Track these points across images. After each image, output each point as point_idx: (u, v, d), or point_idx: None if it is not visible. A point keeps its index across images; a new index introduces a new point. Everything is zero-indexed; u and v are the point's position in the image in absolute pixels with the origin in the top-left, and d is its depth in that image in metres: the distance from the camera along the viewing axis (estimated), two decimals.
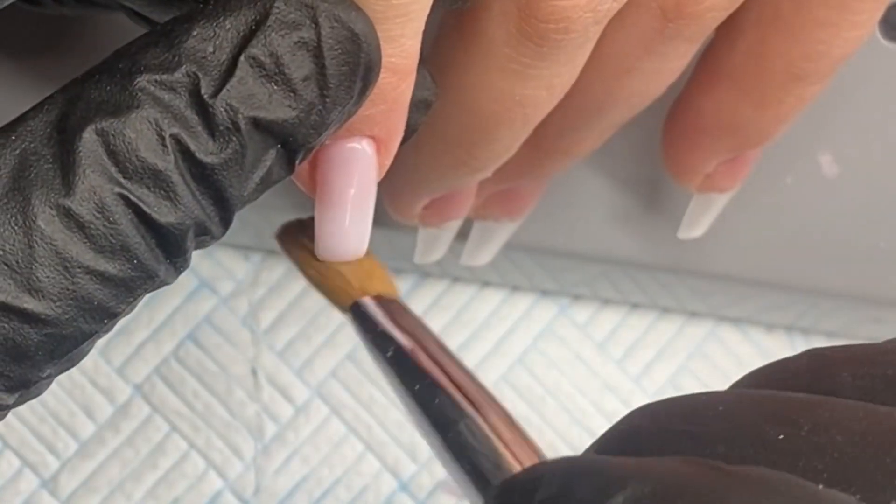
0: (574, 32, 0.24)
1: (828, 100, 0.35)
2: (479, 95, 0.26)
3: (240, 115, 0.20)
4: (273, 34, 0.20)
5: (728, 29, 0.28)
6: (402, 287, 0.39)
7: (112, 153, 0.20)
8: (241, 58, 0.20)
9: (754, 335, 0.39)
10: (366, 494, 0.38)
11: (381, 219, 0.35)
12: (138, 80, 0.20)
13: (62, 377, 0.37)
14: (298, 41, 0.21)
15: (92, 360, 0.38)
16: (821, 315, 0.37)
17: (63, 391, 0.37)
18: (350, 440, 0.38)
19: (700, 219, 0.33)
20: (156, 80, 0.20)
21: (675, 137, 0.31)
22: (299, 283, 0.38)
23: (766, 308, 0.38)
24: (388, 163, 0.24)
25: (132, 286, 0.21)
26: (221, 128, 0.20)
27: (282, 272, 0.38)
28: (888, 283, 0.35)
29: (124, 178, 0.20)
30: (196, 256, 0.38)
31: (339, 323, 0.38)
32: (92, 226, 0.20)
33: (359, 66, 0.21)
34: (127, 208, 0.20)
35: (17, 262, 0.20)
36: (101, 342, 0.38)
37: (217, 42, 0.20)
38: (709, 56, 0.29)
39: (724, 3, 0.26)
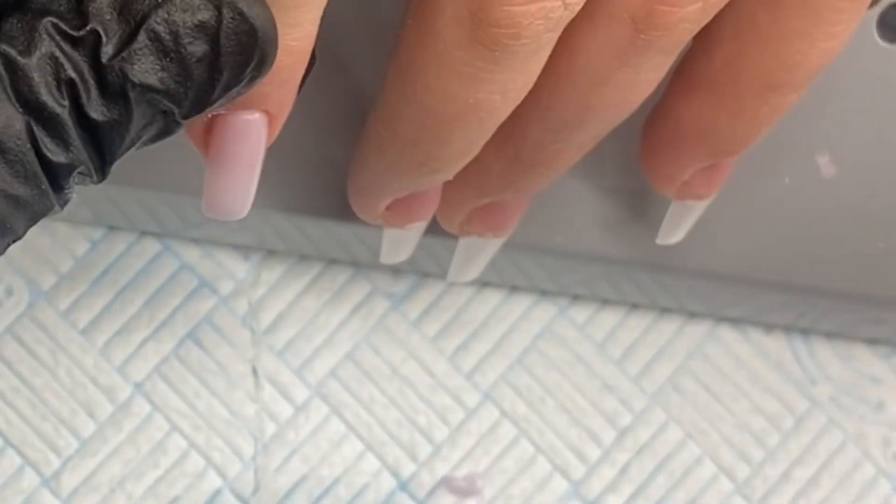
0: (526, 38, 0.24)
1: (825, 101, 0.35)
2: (434, 97, 0.26)
3: (129, 83, 0.22)
4: (176, 12, 0.22)
5: (705, 38, 0.28)
6: (400, 288, 0.39)
7: (16, 89, 0.21)
8: (142, 29, 0.22)
9: (753, 335, 0.39)
10: (366, 493, 0.38)
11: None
12: (46, 22, 0.22)
13: (62, 375, 0.38)
14: (199, 24, 0.22)
15: (92, 358, 0.38)
16: (820, 315, 0.38)
17: (64, 390, 0.38)
18: (350, 439, 0.38)
19: (678, 226, 0.33)
20: (62, 30, 0.22)
21: (652, 144, 0.31)
22: (299, 282, 0.39)
23: (766, 308, 0.38)
24: (276, 133, 0.26)
25: (35, 212, 0.22)
26: (111, 90, 0.22)
27: (282, 272, 0.39)
28: (887, 282, 0.35)
29: (27, 112, 0.22)
30: (196, 256, 0.38)
31: (339, 322, 0.38)
32: (10, 151, 0.21)
33: (252, 57, 0.23)
34: (31, 140, 0.22)
35: None
36: (101, 341, 0.38)
37: (125, 9, 0.22)
38: (686, 65, 0.29)
39: (696, 14, 0.26)
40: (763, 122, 0.29)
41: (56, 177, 0.22)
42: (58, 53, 0.22)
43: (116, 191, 0.35)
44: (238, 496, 0.37)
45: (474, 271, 0.34)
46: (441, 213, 0.32)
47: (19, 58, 0.21)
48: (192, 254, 0.38)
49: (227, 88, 0.23)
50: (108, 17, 0.22)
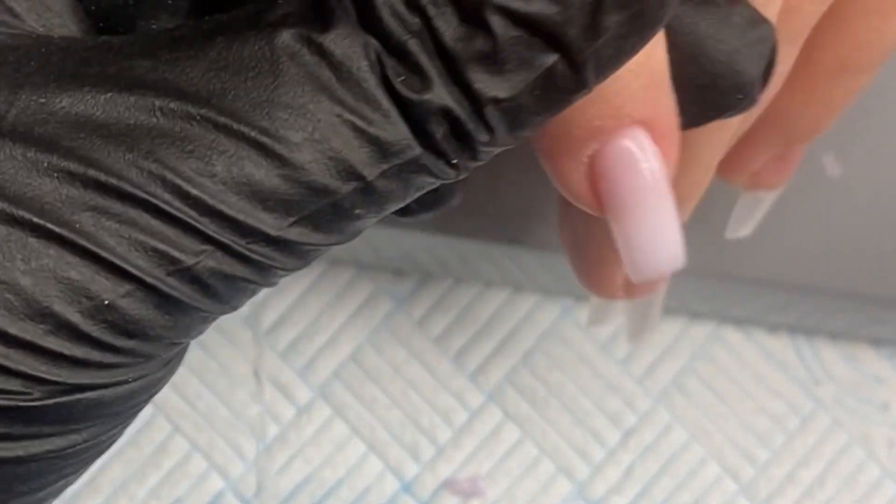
0: None
1: None
2: None
3: (487, 5, 0.19)
4: None
5: None
6: (404, 288, 0.39)
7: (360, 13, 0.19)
8: None
9: (757, 336, 0.39)
10: (368, 495, 0.38)
11: (383, 218, 0.35)
12: None
13: None
14: None
15: None
16: (824, 315, 0.37)
17: None
18: (352, 441, 0.38)
19: (748, 218, 0.32)
20: None
21: None
22: (302, 283, 0.38)
23: (770, 308, 0.37)
24: (673, 151, 0.22)
25: (387, 152, 0.19)
26: (468, 16, 0.19)
27: None
28: (892, 283, 0.35)
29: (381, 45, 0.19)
30: None
31: (341, 323, 0.38)
32: (354, 79, 0.19)
33: None
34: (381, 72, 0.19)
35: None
36: None
37: None
38: None
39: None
40: (836, 106, 0.28)
41: (418, 122, 0.19)
42: None
43: None
44: (240, 498, 0.37)
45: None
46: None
47: None
48: None
49: (623, 7, 0.19)
50: None
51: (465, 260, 0.37)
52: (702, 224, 0.34)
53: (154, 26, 0.22)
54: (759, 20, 0.22)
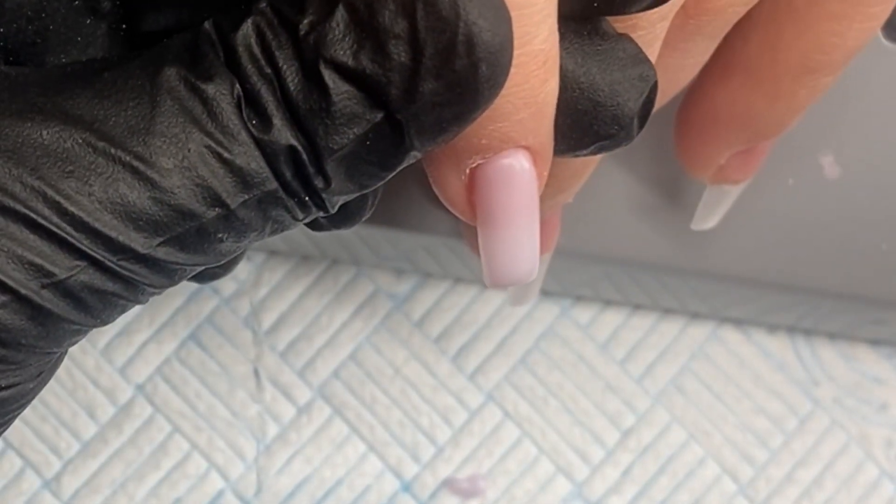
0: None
1: (830, 101, 0.35)
2: None
3: (321, 60, 0.20)
4: None
5: (742, 22, 0.28)
6: (403, 288, 0.39)
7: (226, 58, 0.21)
8: (340, 2, 0.20)
9: (756, 336, 0.39)
10: (368, 495, 0.38)
11: (383, 218, 0.35)
12: (261, 3, 0.21)
13: (63, 377, 0.37)
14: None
15: (94, 360, 0.38)
16: (822, 316, 0.38)
17: (65, 391, 0.37)
18: (352, 440, 0.38)
19: (713, 210, 0.33)
20: (275, 8, 0.21)
21: (688, 129, 0.31)
22: (301, 283, 0.38)
23: (768, 309, 0.38)
24: (544, 174, 0.23)
25: (247, 183, 0.21)
26: (308, 70, 0.20)
27: (284, 273, 0.38)
28: (890, 284, 0.35)
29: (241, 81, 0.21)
30: None
31: (341, 323, 0.38)
32: (220, 116, 0.21)
33: (455, 36, 0.20)
34: (237, 108, 0.21)
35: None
36: (102, 342, 0.38)
37: None
38: (723, 48, 0.29)
39: None
40: (800, 105, 0.29)
41: (272, 159, 0.21)
42: (263, 27, 0.21)
43: None
44: (240, 498, 0.37)
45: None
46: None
47: (226, 28, 0.21)
48: None
49: (438, 76, 0.20)
50: None
51: (465, 260, 0.37)
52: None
53: (63, 60, 0.24)
54: (642, 59, 0.23)
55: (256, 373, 0.38)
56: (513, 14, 0.20)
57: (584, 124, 0.23)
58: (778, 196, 0.35)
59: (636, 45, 0.23)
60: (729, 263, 0.36)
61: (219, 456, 0.37)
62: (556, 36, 0.21)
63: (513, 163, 0.22)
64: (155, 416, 0.38)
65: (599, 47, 0.23)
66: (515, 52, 0.21)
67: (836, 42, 0.28)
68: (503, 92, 0.21)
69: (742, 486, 0.38)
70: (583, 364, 0.38)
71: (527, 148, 0.22)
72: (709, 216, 0.33)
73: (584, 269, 0.37)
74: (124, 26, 0.24)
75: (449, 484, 0.38)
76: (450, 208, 0.24)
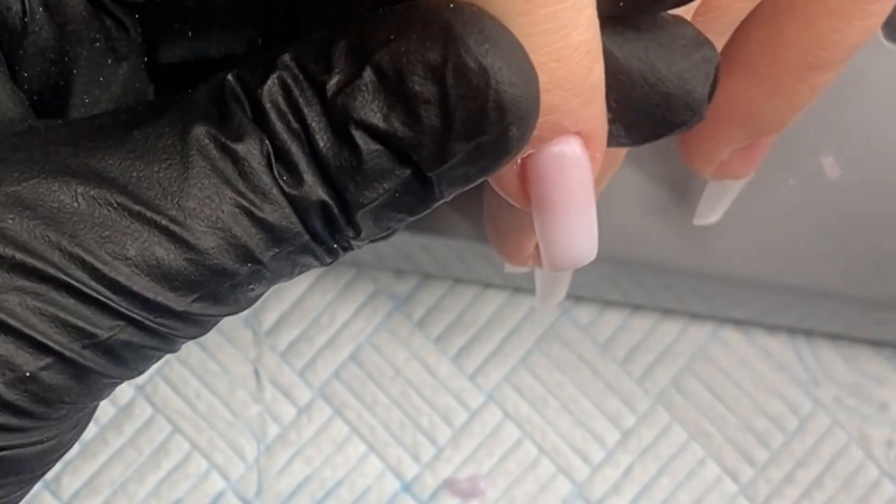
0: None
1: (830, 102, 0.35)
2: None
3: (351, 121, 0.21)
4: (403, 47, 0.20)
5: (744, 19, 0.28)
6: (404, 289, 0.39)
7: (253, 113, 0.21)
8: (367, 65, 0.21)
9: (757, 337, 0.39)
10: (368, 495, 0.38)
11: None
12: (285, 56, 0.21)
13: None
14: (424, 61, 0.20)
15: None
16: (823, 317, 0.38)
17: None
18: (353, 441, 0.38)
19: (715, 205, 0.33)
20: (301, 64, 0.21)
21: None
22: (302, 283, 0.38)
23: (769, 310, 0.38)
24: (599, 157, 0.23)
25: (279, 239, 0.21)
26: (338, 129, 0.21)
27: None
28: (890, 284, 0.35)
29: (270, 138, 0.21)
30: None
31: (342, 323, 0.38)
32: (251, 173, 0.21)
33: (486, 103, 0.20)
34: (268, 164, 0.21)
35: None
36: None
37: (357, 47, 0.21)
38: (724, 45, 0.29)
39: None
40: (801, 101, 0.30)
41: (303, 213, 0.21)
42: (289, 82, 0.21)
43: None
44: (241, 498, 0.37)
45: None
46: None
47: (251, 83, 0.21)
48: None
49: (469, 139, 0.21)
50: (339, 54, 0.21)
51: (465, 260, 0.37)
52: (701, 226, 0.34)
53: (87, 100, 0.24)
54: (702, 41, 0.23)
55: (257, 373, 0.38)
56: (549, 10, 0.20)
57: (656, 116, 0.23)
58: (779, 197, 0.35)
59: (693, 27, 0.23)
60: (729, 264, 0.36)
61: (219, 456, 0.37)
62: (596, 24, 0.21)
63: (564, 150, 0.22)
64: (155, 417, 0.38)
65: (660, 39, 0.23)
66: (556, 47, 0.21)
67: (836, 39, 0.28)
68: (549, 87, 0.21)
69: (742, 487, 0.38)
70: (583, 364, 0.38)
71: (578, 133, 0.22)
72: (710, 211, 0.33)
73: (585, 269, 0.36)
74: (145, 59, 0.25)
75: (449, 484, 0.38)
76: (505, 197, 0.24)
